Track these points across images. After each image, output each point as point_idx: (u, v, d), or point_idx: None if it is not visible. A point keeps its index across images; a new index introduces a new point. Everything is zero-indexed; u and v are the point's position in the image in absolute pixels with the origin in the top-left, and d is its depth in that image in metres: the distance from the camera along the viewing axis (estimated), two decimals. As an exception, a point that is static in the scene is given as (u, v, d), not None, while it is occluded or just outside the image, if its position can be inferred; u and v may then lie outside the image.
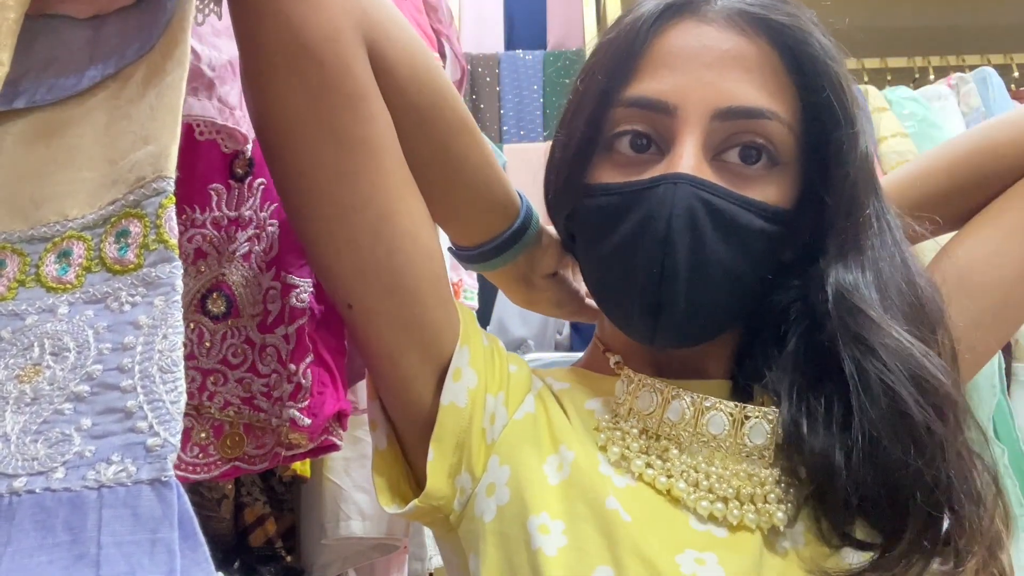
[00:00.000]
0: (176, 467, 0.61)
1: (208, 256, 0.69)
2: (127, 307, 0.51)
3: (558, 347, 1.73)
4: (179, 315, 0.51)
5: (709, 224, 0.57)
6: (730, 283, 0.59)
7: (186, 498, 0.46)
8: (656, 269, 0.57)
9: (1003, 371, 1.42)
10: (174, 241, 0.52)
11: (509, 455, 0.61)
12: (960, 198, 0.71)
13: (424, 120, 0.61)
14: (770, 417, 0.60)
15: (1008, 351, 1.47)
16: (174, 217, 0.53)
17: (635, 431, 0.62)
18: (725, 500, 0.59)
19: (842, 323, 0.57)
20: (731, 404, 0.61)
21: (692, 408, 0.61)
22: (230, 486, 0.97)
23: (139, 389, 0.49)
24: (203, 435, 0.66)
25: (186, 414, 0.66)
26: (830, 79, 0.59)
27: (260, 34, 0.55)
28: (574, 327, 1.73)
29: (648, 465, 0.61)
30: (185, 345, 0.66)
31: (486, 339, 0.66)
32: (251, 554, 1.00)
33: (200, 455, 0.65)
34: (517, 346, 1.69)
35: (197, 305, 0.68)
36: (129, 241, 0.53)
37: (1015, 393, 1.43)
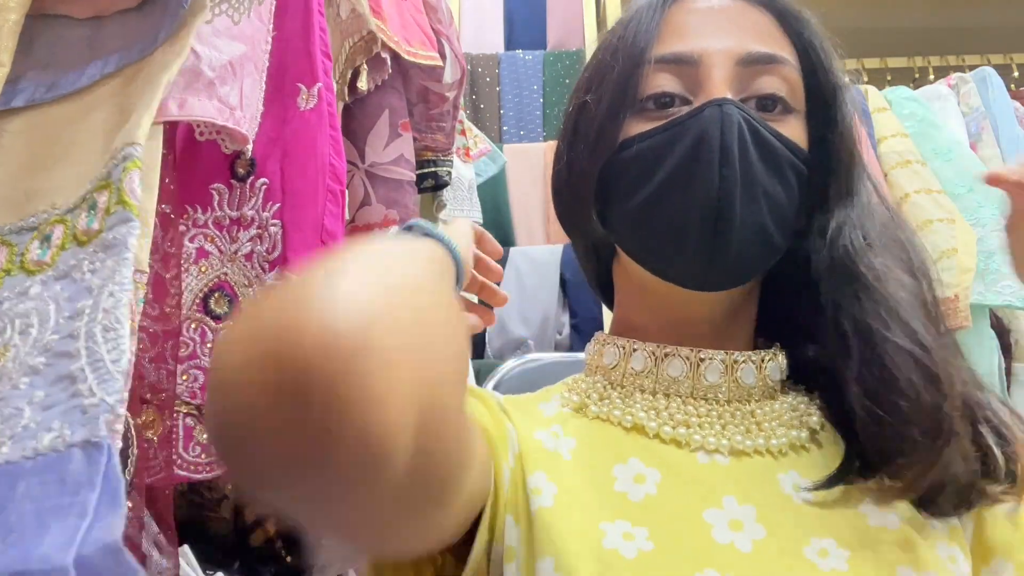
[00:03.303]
0: (178, 467, 0.61)
1: (210, 256, 0.69)
2: (88, 275, 0.50)
3: (558, 347, 1.73)
4: (127, 272, 0.49)
5: (752, 144, 0.60)
6: (772, 209, 0.61)
7: (116, 459, 0.45)
8: (714, 180, 0.58)
9: (1003, 371, 1.42)
10: (132, 201, 0.50)
11: (515, 512, 0.58)
12: None
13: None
14: (722, 358, 0.63)
15: (1008, 351, 1.47)
16: (136, 179, 0.51)
17: (599, 386, 0.65)
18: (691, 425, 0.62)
19: (835, 266, 0.62)
20: (686, 350, 0.63)
21: (653, 357, 0.64)
22: (230, 486, 0.97)
23: (83, 352, 0.47)
24: (205, 435, 0.66)
25: (188, 414, 0.66)
26: (819, 38, 0.65)
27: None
28: (574, 327, 1.73)
29: (607, 406, 0.64)
30: (188, 345, 0.65)
31: (490, 414, 0.62)
32: (251, 554, 1.00)
33: (202, 455, 0.65)
34: (517, 346, 1.69)
35: (200, 305, 0.68)
36: (96, 211, 0.52)
37: (1015, 393, 1.43)
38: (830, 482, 0.58)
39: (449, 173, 1.10)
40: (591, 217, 0.66)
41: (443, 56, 1.00)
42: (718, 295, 0.63)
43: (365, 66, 0.90)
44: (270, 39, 0.72)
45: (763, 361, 0.64)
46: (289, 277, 0.56)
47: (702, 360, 0.63)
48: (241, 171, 0.70)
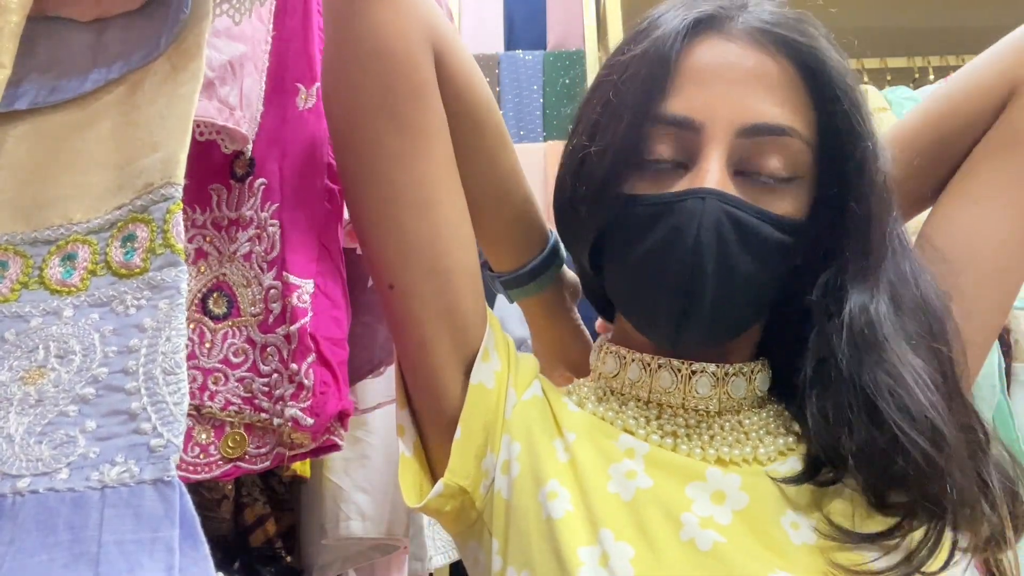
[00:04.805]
0: (177, 467, 0.61)
1: (209, 256, 0.69)
2: (132, 310, 0.52)
3: (558, 347, 1.72)
4: (183, 318, 0.51)
5: (733, 236, 0.59)
6: (750, 291, 0.62)
7: (188, 497, 0.46)
8: (684, 279, 0.60)
9: (1003, 371, 1.42)
10: (181, 246, 0.53)
11: (519, 432, 0.65)
12: (945, 155, 0.72)
13: (477, 129, 0.70)
14: (713, 371, 0.64)
15: (1008, 351, 1.47)
16: (181, 222, 0.53)
17: (599, 391, 0.68)
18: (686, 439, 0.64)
19: (853, 344, 0.60)
20: (676, 362, 0.65)
21: (647, 368, 0.66)
22: (230, 486, 0.97)
23: (143, 391, 0.49)
24: (204, 435, 0.66)
25: (188, 414, 0.66)
26: (848, 96, 0.62)
27: (349, 31, 0.64)
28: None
29: (603, 407, 0.67)
30: (186, 345, 0.66)
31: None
32: (251, 554, 1.00)
33: (201, 455, 0.65)
34: (518, 347, 1.69)
35: (198, 305, 0.68)
36: (136, 245, 0.54)
37: (1015, 393, 1.43)
38: (797, 480, 0.60)
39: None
40: (585, 256, 0.69)
41: (443, 56, 1.00)
42: None
43: (365, 66, 0.90)
44: (270, 39, 0.72)
45: (753, 373, 0.66)
46: None
47: (693, 373, 0.64)
48: (240, 171, 0.70)
